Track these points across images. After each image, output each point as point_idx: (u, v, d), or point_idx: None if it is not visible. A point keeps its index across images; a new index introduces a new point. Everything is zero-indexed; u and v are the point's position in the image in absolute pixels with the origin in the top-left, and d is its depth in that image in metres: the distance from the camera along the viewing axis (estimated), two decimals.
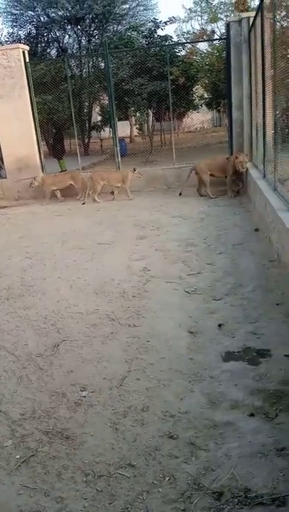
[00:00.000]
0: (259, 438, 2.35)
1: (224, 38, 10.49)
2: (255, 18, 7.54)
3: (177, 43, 17.65)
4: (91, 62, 19.04)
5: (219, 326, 3.63)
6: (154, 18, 18.47)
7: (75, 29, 20.03)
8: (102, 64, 16.13)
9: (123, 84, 15.09)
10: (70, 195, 10.36)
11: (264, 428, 2.42)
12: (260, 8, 6.64)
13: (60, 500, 2.12)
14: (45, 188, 10.09)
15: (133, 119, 21.38)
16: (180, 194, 9.38)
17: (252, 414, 2.53)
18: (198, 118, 28.27)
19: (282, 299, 3.96)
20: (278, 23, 5.43)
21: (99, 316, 4.02)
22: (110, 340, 3.58)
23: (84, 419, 2.66)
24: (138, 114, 17.76)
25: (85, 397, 2.87)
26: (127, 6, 20.66)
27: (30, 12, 20.09)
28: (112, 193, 9.95)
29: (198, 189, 9.34)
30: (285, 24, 5.54)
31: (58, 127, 15.94)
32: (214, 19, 17.18)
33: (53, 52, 21.41)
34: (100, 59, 17.93)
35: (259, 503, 1.97)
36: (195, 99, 19.19)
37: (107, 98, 11.50)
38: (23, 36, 20.37)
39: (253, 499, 1.99)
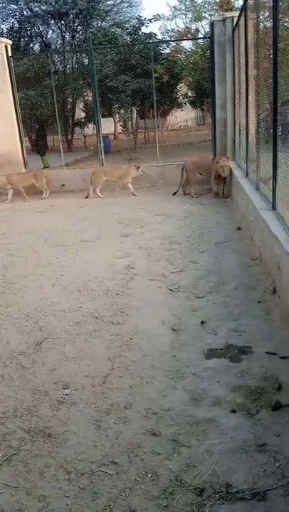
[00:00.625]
0: (240, 434, 2.38)
1: (208, 37, 10.54)
2: (239, 17, 7.60)
3: (161, 41, 17.67)
4: (75, 58, 18.89)
5: (202, 323, 3.66)
6: (138, 15, 18.49)
7: (59, 24, 19.85)
8: (86, 60, 16.01)
9: (107, 80, 15.03)
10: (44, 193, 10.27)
11: (245, 424, 2.45)
12: (243, 8, 6.69)
13: (43, 498, 2.11)
14: (15, 186, 9.97)
15: (117, 116, 21.31)
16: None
17: (234, 411, 2.57)
18: (182, 116, 28.30)
19: (264, 297, 4.02)
20: (262, 24, 5.48)
21: (82, 313, 4.01)
22: (93, 338, 3.57)
23: (66, 417, 2.65)
24: (122, 111, 17.72)
25: (67, 395, 2.86)
26: (112, 2, 20.59)
27: (13, 5, 19.82)
28: (93, 190, 9.91)
29: (183, 186, 9.33)
30: (268, 25, 5.59)
31: (41, 123, 15.81)
32: (198, 18, 17.24)
33: (36, 47, 21.20)
34: (83, 55, 17.80)
35: (240, 498, 2.00)
36: (179, 98, 19.23)
37: (91, 94, 11.44)
38: (5, 30, 20.11)
39: (234, 494, 2.02)
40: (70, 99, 18.83)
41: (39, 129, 15.32)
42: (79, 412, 2.70)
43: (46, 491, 2.15)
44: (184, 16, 19.12)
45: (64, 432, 2.53)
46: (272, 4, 4.25)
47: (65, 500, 2.09)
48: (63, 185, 10.11)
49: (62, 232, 6.95)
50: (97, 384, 2.95)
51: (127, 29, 18.20)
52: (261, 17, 5.45)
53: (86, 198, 9.65)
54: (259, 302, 3.94)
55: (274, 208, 4.60)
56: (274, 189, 4.52)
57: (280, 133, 4.39)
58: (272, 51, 4.31)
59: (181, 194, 9.27)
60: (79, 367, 3.17)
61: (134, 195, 9.51)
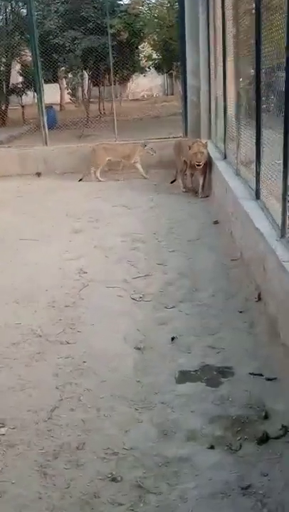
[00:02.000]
0: (220, 475, 2.42)
1: None
2: None
3: None
4: (9, 8, 18.58)
5: (172, 339, 3.69)
6: None
7: None
8: (24, 10, 15.76)
9: (51, 37, 14.86)
10: None
11: (226, 462, 2.49)
12: None
13: None
14: None
15: (64, 81, 21.12)
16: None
17: (212, 447, 2.60)
18: (146, 84, 28.49)
19: (246, 306, 4.10)
20: None
21: (21, 331, 3.95)
22: (37, 361, 3.53)
23: (3, 464, 2.61)
24: (70, 76, 17.57)
25: (3, 435, 2.81)
26: None
27: None
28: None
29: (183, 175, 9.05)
30: None
31: None
32: None
33: None
34: (20, 4, 17.52)
35: None
36: (141, 60, 19.30)
37: (30, 54, 11.27)
38: None
39: None
40: (4, 60, 18.51)
41: None
42: (19, 456, 2.65)
43: None
44: None
45: (0, 483, 2.48)
46: None
47: None
48: None
49: None
50: (42, 420, 2.91)
51: None
52: None
53: (80, 180, 9.54)
54: (241, 312, 4.02)
55: (258, 197, 4.71)
56: (258, 174, 4.63)
57: (264, 106, 4.50)
58: (254, 5, 4.42)
59: (143, 180, 9.27)
60: (18, 399, 3.12)
61: (146, 177, 9.49)
